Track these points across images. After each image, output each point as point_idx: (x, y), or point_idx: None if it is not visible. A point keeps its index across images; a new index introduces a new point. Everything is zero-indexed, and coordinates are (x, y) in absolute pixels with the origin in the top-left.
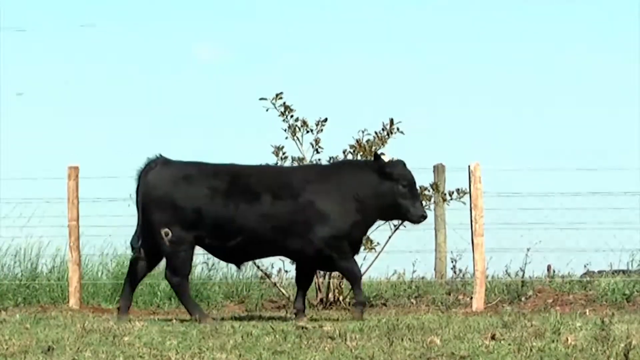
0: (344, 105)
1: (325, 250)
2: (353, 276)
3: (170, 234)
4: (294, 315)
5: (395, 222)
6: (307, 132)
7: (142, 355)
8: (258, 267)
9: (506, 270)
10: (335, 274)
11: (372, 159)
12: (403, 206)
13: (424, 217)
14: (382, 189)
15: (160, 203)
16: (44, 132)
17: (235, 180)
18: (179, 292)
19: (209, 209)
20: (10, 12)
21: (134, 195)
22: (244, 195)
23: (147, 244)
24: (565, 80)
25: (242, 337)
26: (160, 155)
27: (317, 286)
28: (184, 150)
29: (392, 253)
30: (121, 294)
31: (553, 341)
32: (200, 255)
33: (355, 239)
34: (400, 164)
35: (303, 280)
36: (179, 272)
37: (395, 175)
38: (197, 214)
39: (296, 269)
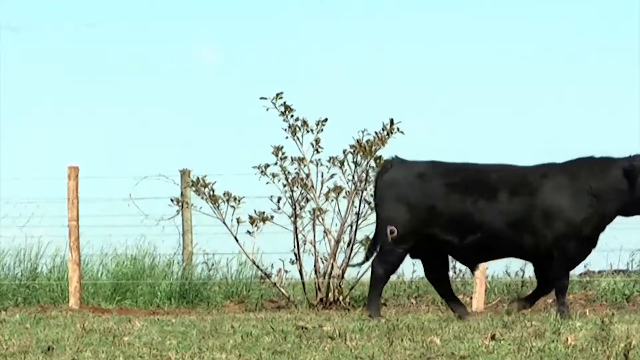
0: (344, 105)
1: (553, 250)
2: (560, 287)
3: (395, 232)
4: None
5: None
6: (307, 132)
7: (142, 355)
8: (258, 267)
9: (506, 270)
10: (336, 273)
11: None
12: None
13: None
14: (624, 184)
15: (393, 201)
16: (44, 132)
17: (471, 178)
18: (373, 283)
19: (445, 207)
20: (9, 11)
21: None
22: (481, 192)
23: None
24: (564, 79)
25: (242, 337)
26: (396, 156)
27: (317, 286)
28: (184, 150)
29: None
30: (445, 299)
31: (553, 341)
32: (199, 255)
33: (589, 236)
34: None
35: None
36: (385, 265)
37: (638, 170)
38: (431, 212)
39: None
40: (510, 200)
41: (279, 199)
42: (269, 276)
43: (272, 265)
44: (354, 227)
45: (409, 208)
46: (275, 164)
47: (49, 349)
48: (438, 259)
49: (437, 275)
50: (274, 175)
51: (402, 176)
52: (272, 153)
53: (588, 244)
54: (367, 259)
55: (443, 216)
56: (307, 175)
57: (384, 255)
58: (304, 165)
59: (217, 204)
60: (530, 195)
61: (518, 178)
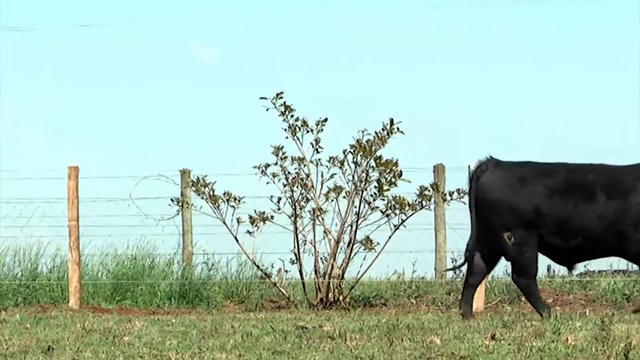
0: (344, 105)
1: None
2: None
3: (513, 237)
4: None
5: (396, 221)
6: (307, 132)
7: (142, 355)
8: (258, 267)
9: (506, 270)
10: (336, 273)
11: None
12: None
13: None
14: None
15: (497, 206)
16: (44, 132)
17: (570, 179)
18: (527, 293)
19: (548, 208)
20: (9, 12)
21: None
22: (580, 193)
23: (484, 246)
24: (564, 79)
25: (242, 337)
26: (491, 156)
27: (317, 286)
28: (184, 150)
29: (392, 253)
30: (462, 297)
31: (553, 341)
32: (200, 255)
33: None
34: None
35: None
36: (526, 273)
37: None
38: (536, 214)
39: None
40: (607, 201)
41: (279, 199)
42: (269, 276)
43: (272, 265)
44: (354, 227)
45: (511, 210)
46: (276, 164)
47: (49, 349)
48: (492, 258)
49: (479, 273)
50: (274, 175)
51: (500, 178)
52: (272, 153)
53: None
54: (466, 260)
55: (546, 218)
56: (307, 175)
57: (516, 264)
58: (304, 165)
59: (217, 204)
60: (623, 196)
61: (612, 179)
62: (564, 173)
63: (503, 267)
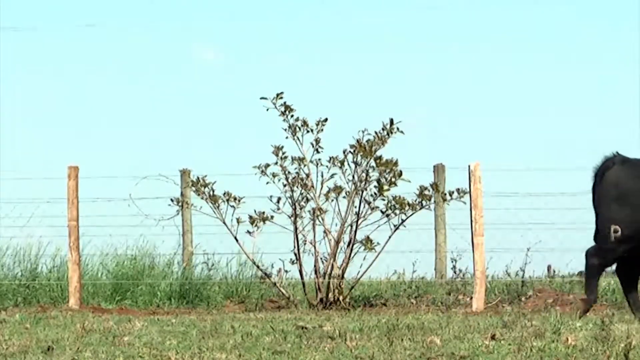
0: (344, 105)
1: None
2: None
3: (619, 232)
4: None
5: (396, 221)
6: (308, 132)
7: (142, 355)
8: (258, 267)
9: (506, 270)
10: (336, 273)
11: None
12: None
13: None
14: None
15: (616, 201)
16: (44, 132)
17: None
18: (588, 273)
19: None
20: (9, 12)
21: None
22: None
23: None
24: (565, 79)
25: (242, 337)
26: (617, 153)
27: (317, 286)
28: (184, 150)
29: (392, 253)
30: (628, 298)
31: (553, 341)
32: (200, 255)
33: None
34: None
35: None
36: (601, 258)
37: None
38: None
39: None
40: None
41: (279, 199)
42: (269, 276)
43: (272, 265)
44: (354, 227)
45: (633, 208)
46: (276, 163)
47: (49, 349)
48: (636, 259)
49: (629, 274)
50: (274, 175)
51: (625, 175)
52: (272, 153)
53: None
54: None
55: None
56: (307, 175)
57: (601, 250)
58: (304, 165)
59: (217, 204)
60: None
61: None
62: None
63: (503, 267)
